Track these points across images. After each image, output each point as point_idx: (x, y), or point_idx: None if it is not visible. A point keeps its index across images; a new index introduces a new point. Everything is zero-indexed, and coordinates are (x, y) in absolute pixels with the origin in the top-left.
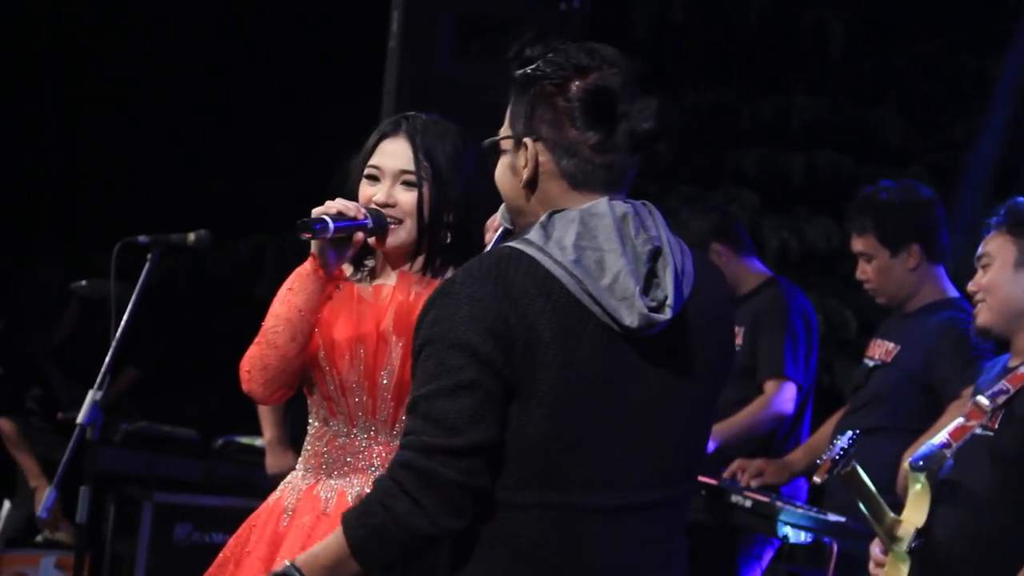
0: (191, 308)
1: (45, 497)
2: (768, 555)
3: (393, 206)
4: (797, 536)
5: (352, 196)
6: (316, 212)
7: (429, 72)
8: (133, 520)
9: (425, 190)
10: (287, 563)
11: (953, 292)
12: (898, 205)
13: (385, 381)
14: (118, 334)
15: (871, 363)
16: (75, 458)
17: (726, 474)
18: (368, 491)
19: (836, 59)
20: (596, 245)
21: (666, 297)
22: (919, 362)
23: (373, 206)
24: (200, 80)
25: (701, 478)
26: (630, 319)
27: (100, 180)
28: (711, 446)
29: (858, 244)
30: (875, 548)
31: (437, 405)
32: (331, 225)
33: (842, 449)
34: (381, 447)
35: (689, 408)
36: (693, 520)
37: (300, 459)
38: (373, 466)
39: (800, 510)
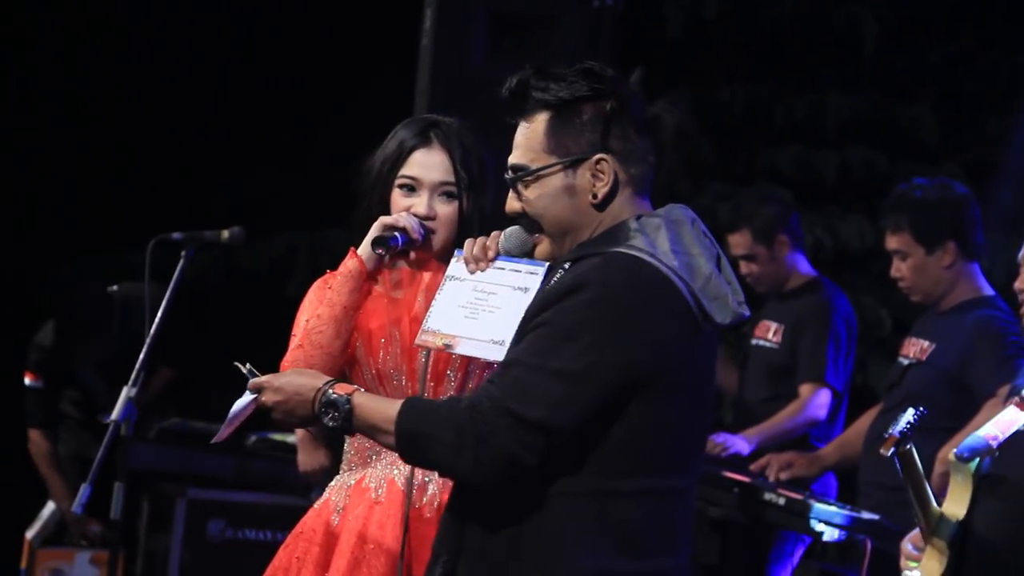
0: (224, 305)
1: (80, 493)
2: (799, 552)
3: (433, 218)
4: (831, 533)
5: (381, 202)
6: (386, 222)
7: (462, 70)
8: (167, 516)
9: (464, 201)
10: (344, 397)
11: (988, 290)
12: (933, 202)
13: (423, 360)
14: (152, 331)
15: (905, 361)
16: (109, 455)
17: (754, 467)
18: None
19: (870, 56)
20: (685, 249)
21: (737, 294)
22: (954, 361)
23: (414, 217)
24: (235, 77)
25: (734, 475)
26: (722, 317)
27: (133, 177)
28: (747, 448)
29: (893, 242)
30: (907, 544)
31: (533, 377)
32: (400, 242)
33: (908, 423)
34: None
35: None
36: (726, 517)
37: (343, 462)
38: None
39: (834, 507)
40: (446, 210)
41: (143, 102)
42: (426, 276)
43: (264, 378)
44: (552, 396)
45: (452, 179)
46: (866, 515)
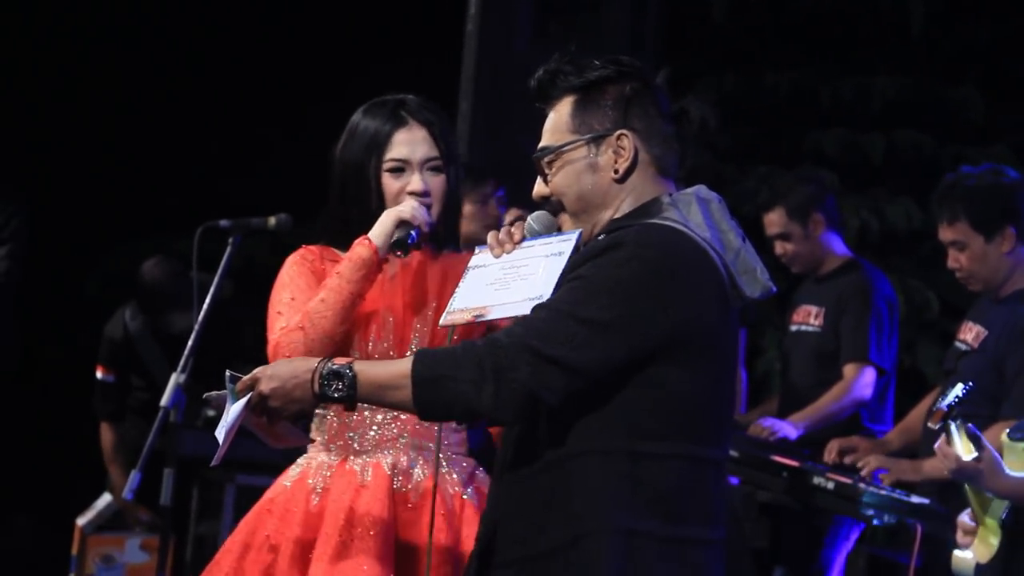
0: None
1: (130, 479)
2: (854, 537)
3: (429, 194)
4: (880, 518)
5: (365, 189)
6: (403, 216)
7: (507, 55)
8: (216, 502)
9: (449, 172)
10: (345, 366)
11: None
12: (988, 189)
13: (415, 347)
14: (200, 318)
15: (962, 347)
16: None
17: (827, 457)
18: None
19: (917, 37)
20: (716, 224)
21: (765, 271)
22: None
23: (419, 206)
24: (281, 63)
25: (783, 460)
26: (751, 290)
27: (180, 164)
28: (795, 433)
29: (949, 233)
30: (964, 516)
31: (560, 322)
32: (415, 238)
33: (956, 397)
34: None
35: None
36: (776, 502)
37: (317, 438)
38: (403, 435)
39: (884, 492)
40: (437, 183)
41: (190, 91)
42: (417, 256)
43: (253, 372)
44: (575, 339)
45: (437, 153)
46: (916, 499)
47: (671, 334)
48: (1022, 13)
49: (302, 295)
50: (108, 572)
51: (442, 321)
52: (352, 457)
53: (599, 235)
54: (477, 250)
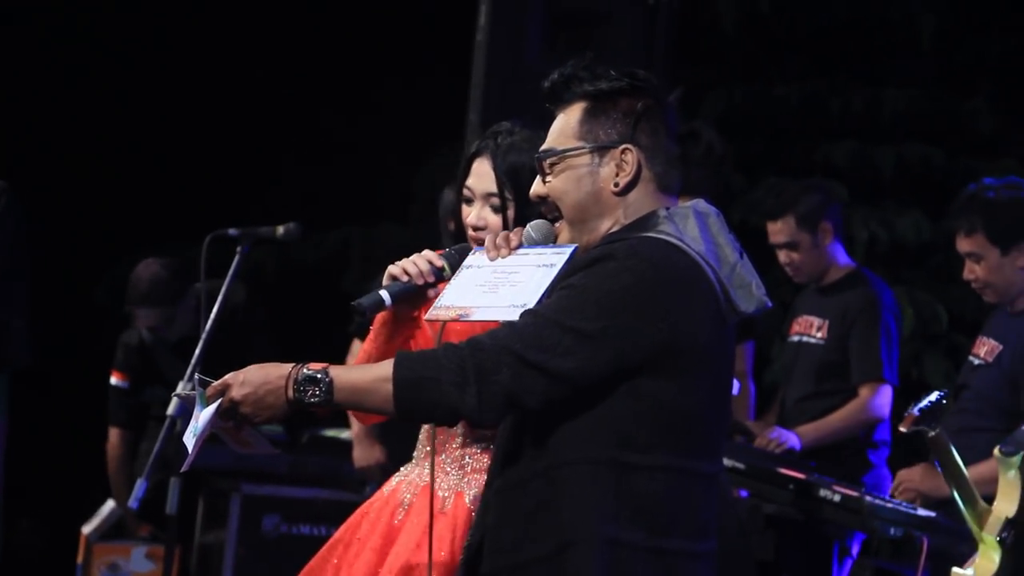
0: (278, 300)
1: (136, 488)
2: (855, 548)
3: (484, 228)
4: (886, 531)
5: (457, 214)
6: (392, 272)
7: (517, 66)
8: (222, 512)
9: (510, 213)
10: (321, 370)
11: None
12: (1006, 203)
13: (439, 333)
14: (208, 326)
15: (976, 361)
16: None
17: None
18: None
19: (927, 50)
20: (713, 238)
21: (761, 285)
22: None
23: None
24: (291, 73)
25: (789, 471)
26: (746, 305)
27: (189, 173)
28: (799, 444)
29: (966, 244)
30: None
31: (545, 329)
32: (387, 302)
33: (928, 402)
34: None
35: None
36: (783, 514)
37: (416, 451)
38: None
39: (890, 504)
40: (494, 220)
41: (199, 98)
42: None
43: (224, 378)
44: (558, 347)
45: (496, 190)
46: (922, 512)
47: (659, 346)
48: None
49: None
50: None
51: (427, 316)
52: (440, 479)
53: (594, 247)
54: (475, 250)
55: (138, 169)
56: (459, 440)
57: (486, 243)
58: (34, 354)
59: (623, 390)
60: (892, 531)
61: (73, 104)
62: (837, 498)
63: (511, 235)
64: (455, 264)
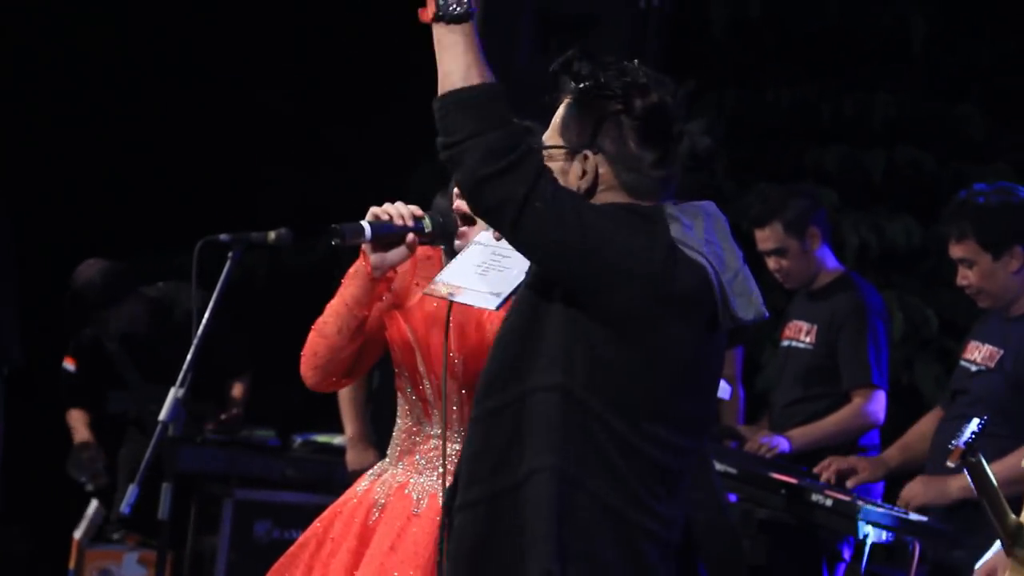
0: (269, 306)
1: (128, 494)
2: (847, 553)
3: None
4: (878, 535)
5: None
6: (374, 210)
7: (508, 70)
8: (214, 517)
9: None
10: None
11: None
12: (997, 208)
13: (447, 314)
14: (199, 332)
15: (973, 367)
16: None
17: (818, 470)
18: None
19: (918, 55)
20: (718, 242)
21: (760, 296)
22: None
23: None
24: (282, 78)
25: (781, 477)
26: (744, 313)
27: (180, 178)
28: (789, 447)
29: (958, 250)
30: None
31: (579, 210)
32: (367, 231)
33: (973, 434)
34: None
35: (717, 382)
36: (775, 519)
37: (390, 450)
38: None
39: (882, 509)
40: None
41: (192, 104)
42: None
43: None
44: (582, 220)
45: None
46: (914, 516)
47: (637, 300)
48: (1022, 32)
49: None
50: None
51: (425, 290)
52: (415, 478)
53: None
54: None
55: (130, 175)
56: (434, 442)
57: None
58: (26, 354)
59: (589, 338)
60: (884, 536)
61: (64, 108)
62: (829, 503)
63: None
64: (436, 224)
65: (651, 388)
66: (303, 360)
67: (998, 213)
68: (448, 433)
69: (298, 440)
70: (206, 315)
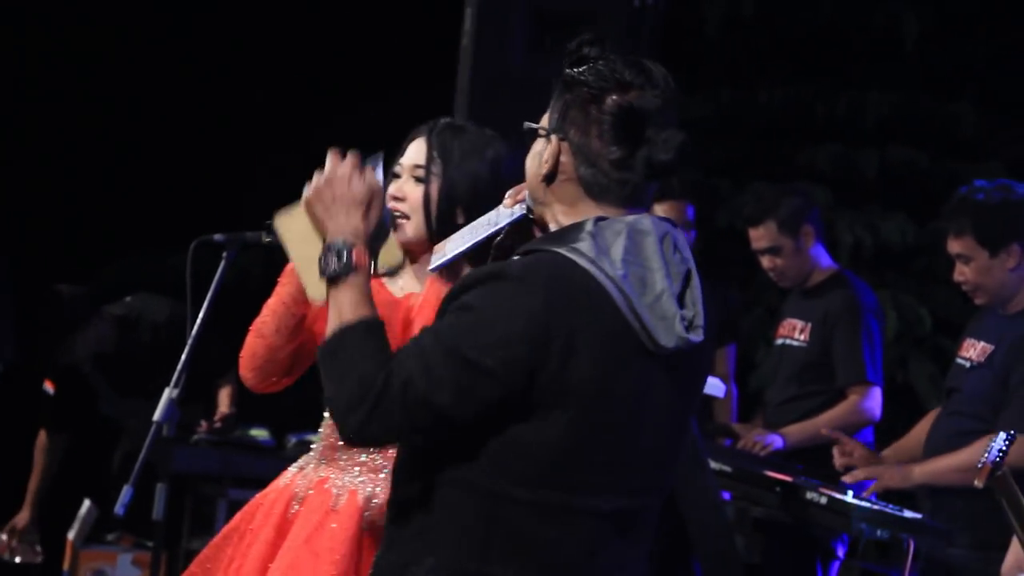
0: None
1: (122, 494)
2: (842, 550)
3: (403, 200)
4: (872, 532)
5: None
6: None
7: (502, 69)
8: (208, 517)
9: (433, 185)
10: (355, 258)
11: None
12: (996, 205)
13: None
14: (193, 333)
15: (967, 364)
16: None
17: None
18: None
19: (911, 53)
20: (641, 262)
21: (694, 317)
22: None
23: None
24: (276, 78)
25: (776, 475)
26: (666, 339)
27: (174, 179)
28: (783, 444)
29: (956, 246)
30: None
31: (446, 361)
32: None
33: (1000, 451)
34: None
35: (683, 423)
36: (770, 517)
37: (315, 445)
38: (386, 468)
39: (876, 506)
40: (414, 192)
41: (184, 103)
42: (414, 268)
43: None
44: (459, 383)
45: (423, 162)
46: (908, 514)
47: (532, 383)
48: (1016, 30)
49: None
50: None
51: (430, 267)
52: (336, 474)
53: (518, 254)
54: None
55: (124, 175)
56: None
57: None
58: (20, 351)
59: (505, 416)
60: (879, 533)
61: (59, 109)
62: (823, 500)
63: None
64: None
65: (602, 446)
66: (242, 362)
67: (997, 210)
68: None
69: (292, 440)
70: (200, 315)
